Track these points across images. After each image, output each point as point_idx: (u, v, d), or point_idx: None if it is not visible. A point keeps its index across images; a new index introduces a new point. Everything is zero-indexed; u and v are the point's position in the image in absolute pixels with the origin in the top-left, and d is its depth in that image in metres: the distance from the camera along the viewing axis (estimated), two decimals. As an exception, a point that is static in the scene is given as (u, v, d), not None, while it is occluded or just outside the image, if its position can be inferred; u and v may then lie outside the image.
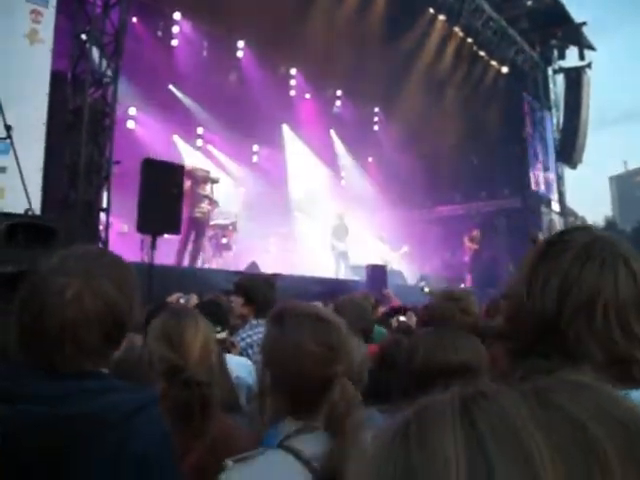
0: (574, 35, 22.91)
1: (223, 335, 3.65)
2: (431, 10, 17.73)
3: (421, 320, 5.77)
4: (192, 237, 12.34)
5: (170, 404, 1.98)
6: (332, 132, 21.18)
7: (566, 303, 1.22)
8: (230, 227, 14.92)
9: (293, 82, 19.73)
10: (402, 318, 5.83)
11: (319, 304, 4.20)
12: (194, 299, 4.17)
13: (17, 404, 1.32)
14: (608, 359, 1.17)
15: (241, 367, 3.25)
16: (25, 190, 6.65)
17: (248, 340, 3.78)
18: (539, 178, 22.46)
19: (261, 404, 1.72)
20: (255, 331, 3.83)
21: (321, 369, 1.62)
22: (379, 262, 15.61)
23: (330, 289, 10.76)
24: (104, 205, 9.79)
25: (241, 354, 3.63)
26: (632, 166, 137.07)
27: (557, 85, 24.50)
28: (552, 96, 24.44)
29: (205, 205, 12.59)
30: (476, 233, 18.52)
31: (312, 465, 1.51)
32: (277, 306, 1.83)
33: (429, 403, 0.53)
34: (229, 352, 3.54)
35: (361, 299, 3.90)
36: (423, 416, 0.51)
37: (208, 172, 13.41)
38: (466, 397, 0.51)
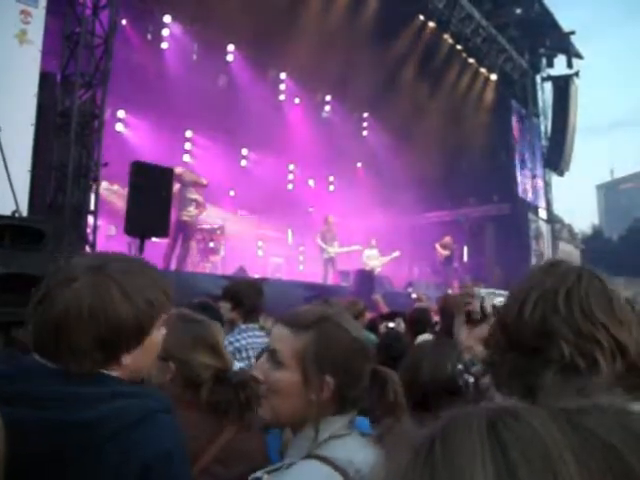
0: (562, 43, 23.10)
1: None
2: (421, 17, 17.79)
3: (411, 322, 5.79)
4: (180, 240, 12.29)
5: (221, 407, 2.05)
6: (321, 137, 21.17)
7: (538, 303, 1.32)
8: (218, 231, 14.89)
9: (283, 86, 19.73)
10: (391, 324, 5.84)
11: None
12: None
13: (15, 407, 1.28)
14: (576, 339, 1.25)
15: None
16: (12, 192, 6.61)
17: (236, 344, 3.77)
18: (527, 185, 22.59)
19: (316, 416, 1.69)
20: (243, 335, 3.82)
21: (369, 363, 1.63)
22: (367, 268, 15.62)
23: (317, 294, 10.74)
24: (92, 207, 9.74)
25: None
26: (619, 174, 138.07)
27: (545, 93, 24.73)
28: (540, 104, 24.63)
29: (193, 209, 12.55)
30: (448, 239, 18.53)
31: (347, 473, 1.47)
32: (318, 306, 1.79)
33: (454, 421, 0.50)
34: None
35: (341, 303, 3.89)
36: (449, 436, 0.49)
37: (197, 175, 13.36)
38: (494, 417, 0.49)
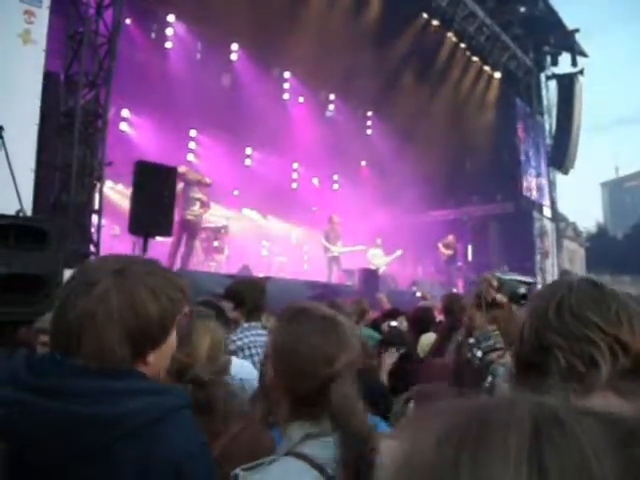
0: (567, 41, 23.05)
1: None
2: (425, 15, 17.76)
3: (414, 321, 5.80)
4: (184, 240, 12.30)
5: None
6: (325, 136, 21.18)
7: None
8: (222, 230, 14.89)
9: (287, 85, 19.76)
10: (393, 323, 5.83)
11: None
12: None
13: (35, 397, 1.29)
14: (569, 344, 1.27)
15: (245, 369, 3.25)
16: (17, 191, 6.63)
17: (239, 343, 3.79)
18: (531, 183, 22.54)
19: (264, 404, 1.72)
20: (246, 334, 3.83)
21: (324, 367, 1.61)
22: (371, 266, 15.62)
23: (322, 293, 10.75)
24: (96, 207, 9.75)
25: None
26: (623, 172, 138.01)
27: (550, 91, 24.66)
28: (545, 102, 24.57)
29: (197, 208, 12.56)
30: (450, 239, 18.52)
31: (327, 471, 1.49)
32: (287, 306, 1.83)
33: (492, 417, 0.46)
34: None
35: (344, 303, 3.90)
36: (483, 437, 0.44)
37: (201, 175, 13.36)
38: (539, 424, 0.44)
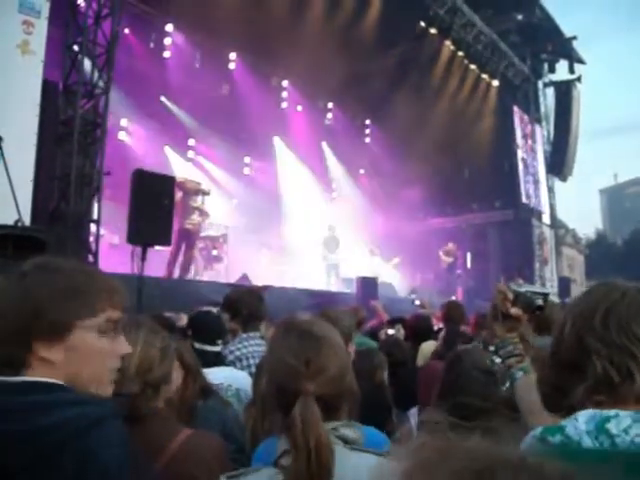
0: (564, 49, 23.14)
1: (218, 348, 3.64)
2: (422, 23, 17.81)
3: (413, 329, 5.80)
4: (183, 249, 12.29)
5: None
6: (324, 144, 21.24)
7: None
8: (221, 239, 14.91)
9: (285, 94, 19.80)
10: (390, 331, 5.84)
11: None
12: (184, 319, 4.13)
13: None
14: (609, 353, 1.28)
15: (241, 379, 3.25)
16: (15, 201, 6.63)
17: (237, 353, 3.76)
18: (530, 191, 22.57)
19: (249, 415, 1.72)
20: (244, 344, 3.81)
21: (292, 383, 1.59)
22: (370, 274, 15.62)
23: (321, 301, 10.75)
24: (95, 216, 9.76)
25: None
26: (622, 179, 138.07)
27: (547, 98, 24.75)
28: (542, 109, 24.64)
29: (196, 217, 12.56)
30: (451, 246, 18.55)
31: None
32: (282, 319, 1.84)
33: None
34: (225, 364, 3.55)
35: (340, 311, 3.88)
36: None
37: (199, 184, 13.36)
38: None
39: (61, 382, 1.37)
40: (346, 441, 1.58)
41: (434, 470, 0.47)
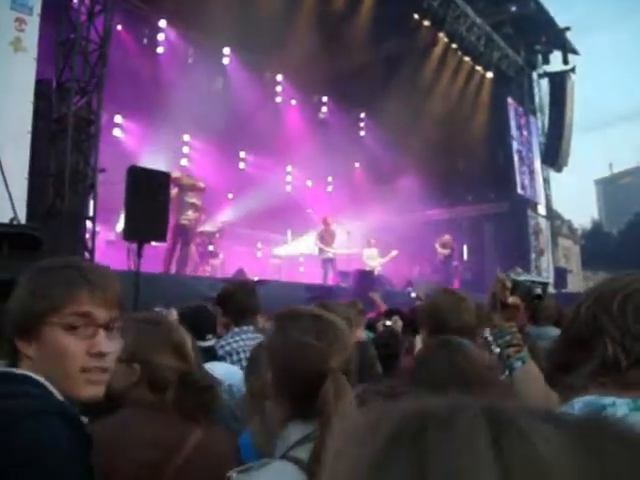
0: (558, 40, 23.12)
1: (211, 342, 3.65)
2: (416, 16, 17.79)
3: (410, 321, 5.80)
4: (179, 244, 12.30)
5: (187, 410, 2.04)
6: (318, 138, 21.23)
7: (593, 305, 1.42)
8: (217, 234, 14.90)
9: (279, 88, 19.79)
10: (388, 322, 5.85)
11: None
12: (174, 314, 4.13)
13: None
14: (622, 338, 1.31)
15: (232, 374, 3.25)
16: (10, 199, 6.63)
17: (227, 348, 3.76)
18: (525, 182, 22.58)
19: (252, 407, 1.73)
20: (236, 338, 3.81)
21: (317, 364, 1.62)
22: (367, 267, 15.63)
23: (317, 295, 10.75)
24: (90, 213, 9.76)
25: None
26: (617, 169, 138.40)
27: (542, 89, 24.71)
28: (537, 100, 24.63)
29: (191, 212, 12.56)
30: (447, 238, 18.54)
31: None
32: (279, 309, 1.86)
33: (451, 421, 0.45)
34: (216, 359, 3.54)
35: (338, 304, 3.88)
36: (444, 443, 0.43)
37: (194, 179, 13.36)
38: (498, 432, 0.43)
39: (33, 375, 1.38)
40: None
41: (368, 440, 0.45)
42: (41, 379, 1.38)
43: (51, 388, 1.38)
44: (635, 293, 1.35)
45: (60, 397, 1.38)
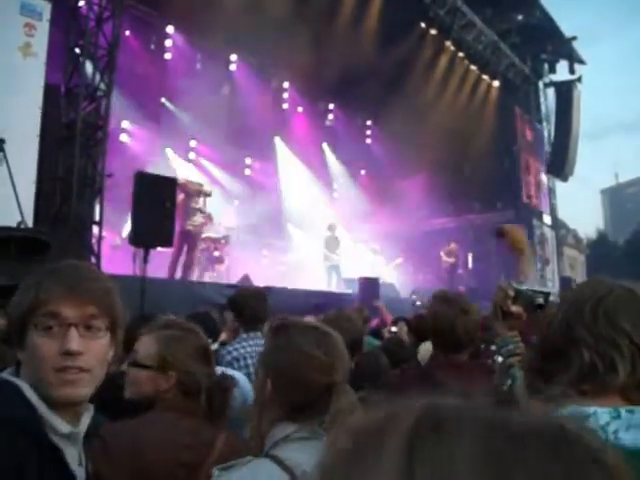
0: (564, 49, 23.15)
1: (214, 348, 3.67)
2: (422, 24, 17.83)
3: (414, 329, 5.80)
4: (184, 250, 12.30)
5: (216, 413, 2.11)
6: (324, 145, 21.27)
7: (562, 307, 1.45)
8: (222, 240, 14.90)
9: (286, 95, 19.84)
10: (393, 329, 5.86)
11: (311, 318, 4.23)
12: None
13: None
14: (596, 343, 1.32)
15: (240, 381, 3.26)
16: (18, 203, 6.66)
17: (234, 353, 3.78)
18: (531, 191, 22.58)
19: (259, 414, 1.75)
20: (243, 344, 3.83)
21: (324, 376, 1.67)
22: (372, 274, 15.62)
23: (322, 302, 10.75)
24: (97, 218, 9.79)
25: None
26: (623, 179, 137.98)
27: (548, 99, 24.72)
28: (543, 109, 24.64)
29: (198, 218, 12.56)
30: (452, 246, 18.52)
31: (295, 474, 1.53)
32: (277, 319, 1.90)
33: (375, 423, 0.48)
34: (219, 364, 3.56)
35: (350, 312, 3.91)
36: (360, 437, 0.47)
37: (201, 185, 13.36)
38: (418, 427, 0.45)
39: (16, 381, 1.41)
40: None
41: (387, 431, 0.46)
42: (22, 384, 1.40)
43: (28, 394, 1.38)
44: (605, 297, 1.36)
45: (34, 404, 1.38)
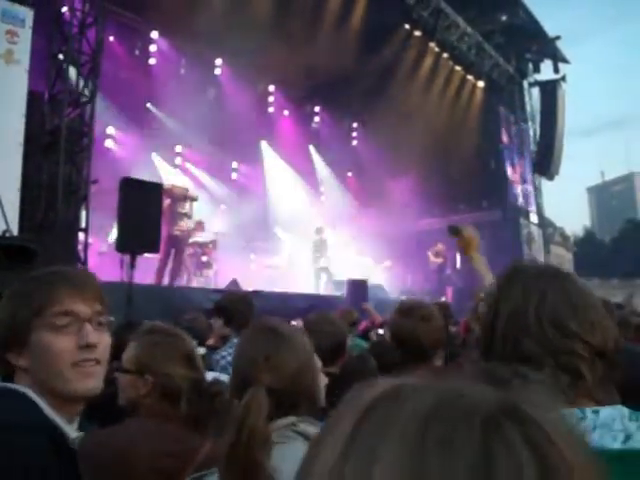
0: (548, 49, 23.27)
1: (201, 352, 3.65)
2: (406, 26, 17.87)
3: (392, 336, 5.80)
4: (172, 255, 12.28)
5: (200, 418, 2.07)
6: (311, 148, 21.29)
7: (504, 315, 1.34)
8: (210, 245, 14.88)
9: (271, 99, 19.87)
10: (380, 331, 5.87)
11: (299, 322, 4.22)
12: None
13: None
14: (556, 361, 1.24)
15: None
16: (2, 211, 6.63)
17: (229, 358, 3.77)
18: (517, 190, 22.66)
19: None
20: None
21: (251, 374, 1.68)
22: (360, 277, 15.63)
23: (311, 305, 10.74)
24: (83, 225, 9.74)
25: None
26: (609, 177, 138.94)
27: (533, 98, 24.80)
28: (528, 109, 24.72)
29: (184, 223, 12.55)
30: (440, 247, 18.55)
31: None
32: (255, 321, 1.92)
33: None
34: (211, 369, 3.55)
35: (335, 315, 3.90)
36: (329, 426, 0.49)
37: (187, 190, 13.36)
38: (382, 396, 0.48)
39: (20, 388, 1.40)
40: (307, 437, 1.61)
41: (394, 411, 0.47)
42: (27, 391, 1.39)
43: (37, 401, 1.39)
44: (540, 303, 1.29)
45: (44, 411, 1.38)
